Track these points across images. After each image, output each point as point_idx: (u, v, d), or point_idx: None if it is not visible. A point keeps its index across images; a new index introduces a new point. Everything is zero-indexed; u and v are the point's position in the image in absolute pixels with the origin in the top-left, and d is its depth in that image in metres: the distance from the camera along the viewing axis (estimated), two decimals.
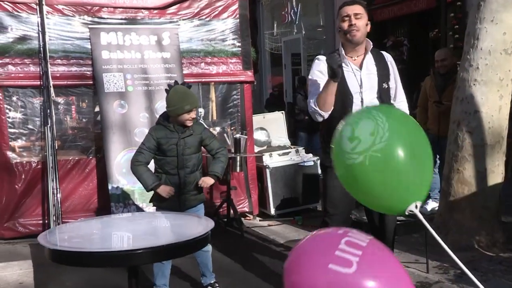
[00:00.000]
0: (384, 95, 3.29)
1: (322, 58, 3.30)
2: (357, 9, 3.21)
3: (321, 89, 3.20)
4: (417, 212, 2.18)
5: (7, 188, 5.33)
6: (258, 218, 6.14)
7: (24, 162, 5.35)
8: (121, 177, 5.38)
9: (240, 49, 6.09)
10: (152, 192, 3.72)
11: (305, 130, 8.18)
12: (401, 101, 3.41)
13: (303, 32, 12.77)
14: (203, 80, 5.95)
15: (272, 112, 7.38)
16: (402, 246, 4.47)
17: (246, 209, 6.08)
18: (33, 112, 5.40)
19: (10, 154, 5.30)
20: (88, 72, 5.51)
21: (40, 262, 4.50)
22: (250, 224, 5.87)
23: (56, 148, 5.34)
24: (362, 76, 3.26)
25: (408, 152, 2.13)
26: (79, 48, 5.49)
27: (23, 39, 5.32)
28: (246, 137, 5.81)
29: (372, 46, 3.31)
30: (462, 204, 4.65)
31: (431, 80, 5.86)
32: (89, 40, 5.50)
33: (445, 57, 5.73)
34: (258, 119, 6.64)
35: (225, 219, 5.67)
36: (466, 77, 4.62)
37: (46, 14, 5.34)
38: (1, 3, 5.25)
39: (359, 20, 3.20)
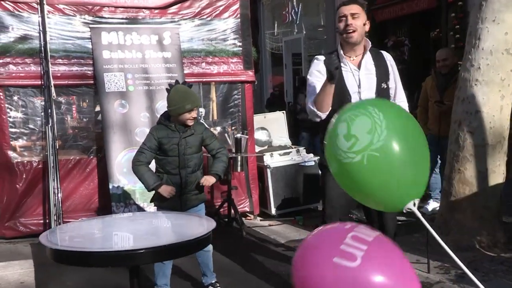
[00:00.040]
0: (383, 95, 3.26)
1: (321, 58, 3.28)
2: (354, 8, 3.19)
3: (318, 90, 3.19)
4: (415, 209, 2.18)
5: (8, 188, 5.34)
6: (259, 218, 6.13)
7: (25, 161, 5.35)
8: (122, 176, 5.38)
9: (241, 48, 6.09)
10: (153, 192, 3.71)
11: (308, 130, 8.16)
12: (401, 101, 3.38)
13: (304, 32, 12.74)
14: (204, 79, 5.96)
15: (273, 112, 7.37)
16: (403, 246, 4.39)
17: (247, 209, 6.08)
18: (34, 111, 5.40)
19: (11, 153, 5.30)
20: (89, 72, 5.51)
21: (41, 262, 4.51)
22: (251, 224, 5.87)
23: (57, 147, 5.35)
24: (361, 76, 3.24)
25: (406, 150, 2.13)
26: (80, 48, 5.50)
27: (24, 38, 5.32)
28: (247, 137, 5.80)
29: (371, 46, 3.29)
30: (463, 204, 4.65)
31: (432, 80, 5.84)
32: (90, 40, 5.50)
33: (446, 57, 5.72)
34: (259, 119, 6.63)
35: (226, 219, 5.67)
36: (467, 77, 4.62)
37: (47, 14, 5.35)
38: (2, 2, 5.25)
39: (356, 20, 3.18)
